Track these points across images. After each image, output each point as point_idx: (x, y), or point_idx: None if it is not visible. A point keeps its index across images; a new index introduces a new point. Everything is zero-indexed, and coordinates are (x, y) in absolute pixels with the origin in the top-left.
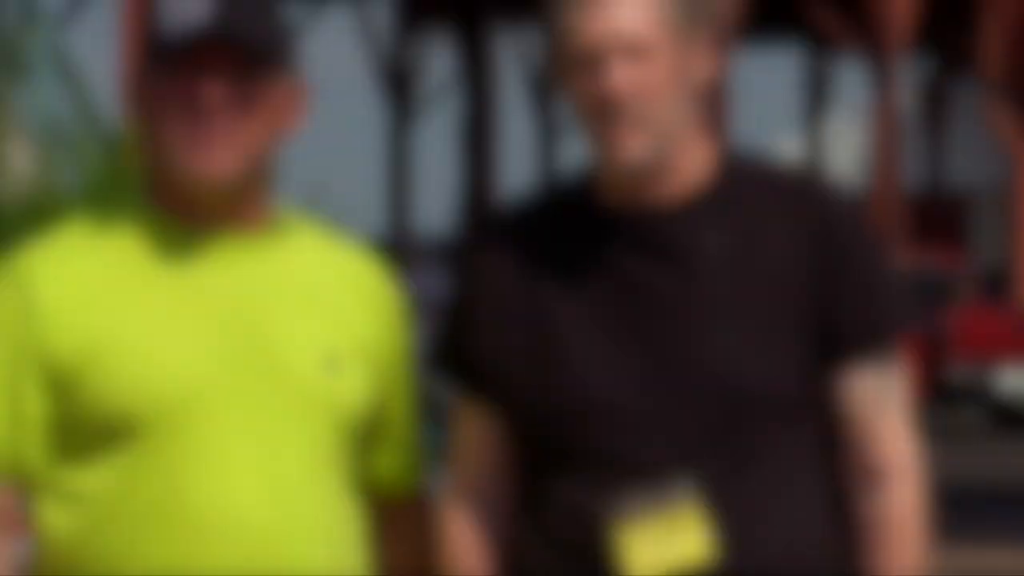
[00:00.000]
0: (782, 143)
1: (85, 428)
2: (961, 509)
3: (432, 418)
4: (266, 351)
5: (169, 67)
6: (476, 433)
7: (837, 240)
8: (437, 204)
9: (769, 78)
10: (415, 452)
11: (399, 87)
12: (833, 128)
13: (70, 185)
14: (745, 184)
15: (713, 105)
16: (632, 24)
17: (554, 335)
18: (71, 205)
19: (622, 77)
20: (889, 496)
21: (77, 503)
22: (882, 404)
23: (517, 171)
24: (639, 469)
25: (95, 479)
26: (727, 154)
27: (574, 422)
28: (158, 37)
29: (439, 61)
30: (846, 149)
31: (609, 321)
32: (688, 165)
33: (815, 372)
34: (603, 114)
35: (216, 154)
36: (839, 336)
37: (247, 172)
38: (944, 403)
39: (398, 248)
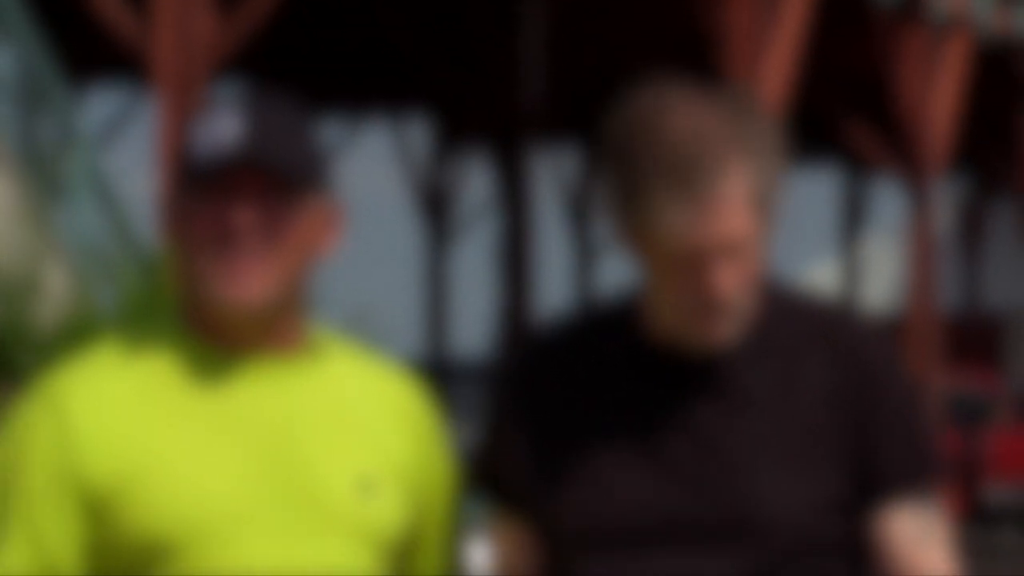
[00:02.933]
0: (818, 264)
1: (120, 552)
2: None
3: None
4: (300, 475)
5: (200, 191)
6: (515, 549)
7: (870, 375)
8: (474, 325)
9: (805, 199)
10: (454, 570)
11: (436, 207)
12: (869, 249)
13: (107, 308)
14: (782, 319)
15: None
16: (738, 225)
17: (596, 470)
18: (108, 327)
19: (728, 279)
20: None
21: None
22: (924, 540)
23: (555, 292)
24: None
25: None
26: (764, 287)
27: (617, 560)
28: (189, 161)
29: (476, 181)
30: (882, 270)
31: (654, 457)
32: None
33: (856, 510)
34: (704, 310)
35: (247, 279)
36: (879, 474)
37: (280, 296)
38: (982, 524)
39: (436, 370)
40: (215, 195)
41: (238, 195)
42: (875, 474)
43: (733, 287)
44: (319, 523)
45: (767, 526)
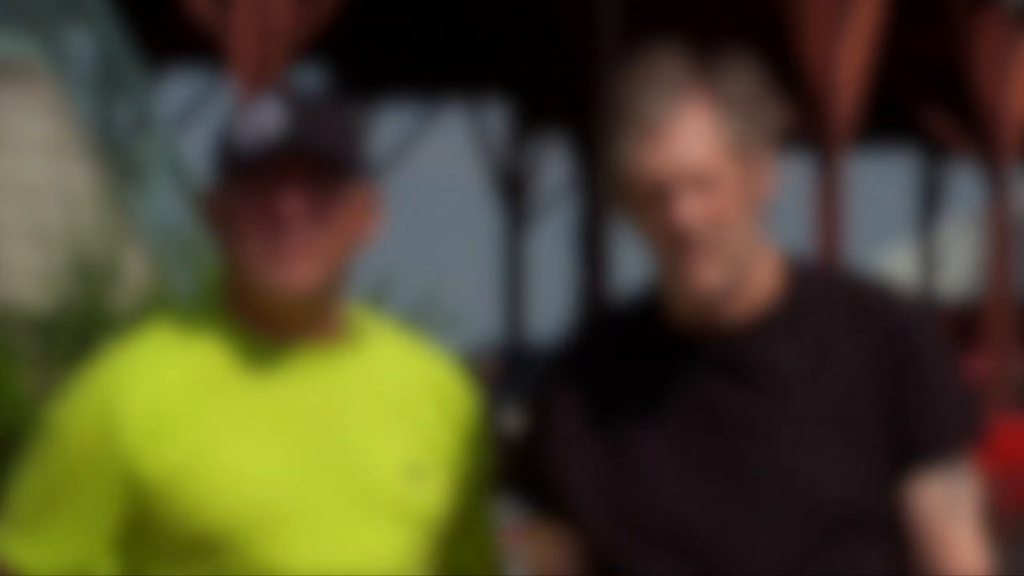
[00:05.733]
0: (895, 250)
1: (172, 540)
2: None
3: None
4: (348, 461)
5: (245, 181)
6: (553, 553)
7: (906, 347)
8: (551, 308)
9: (882, 185)
10: (495, 554)
11: (513, 191)
12: (947, 234)
13: (184, 291)
14: (812, 295)
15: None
16: (697, 155)
17: (632, 462)
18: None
19: (691, 208)
20: None
21: None
22: (952, 512)
23: (632, 275)
24: None
25: None
26: (792, 265)
27: (657, 550)
28: (232, 151)
29: (553, 165)
30: (959, 256)
31: (687, 444)
32: (757, 282)
33: (892, 484)
34: (675, 246)
35: (297, 265)
36: (910, 445)
37: (326, 283)
38: None
39: (512, 352)
40: (262, 184)
41: (285, 182)
42: (906, 444)
43: (698, 218)
44: (369, 509)
45: (809, 504)
